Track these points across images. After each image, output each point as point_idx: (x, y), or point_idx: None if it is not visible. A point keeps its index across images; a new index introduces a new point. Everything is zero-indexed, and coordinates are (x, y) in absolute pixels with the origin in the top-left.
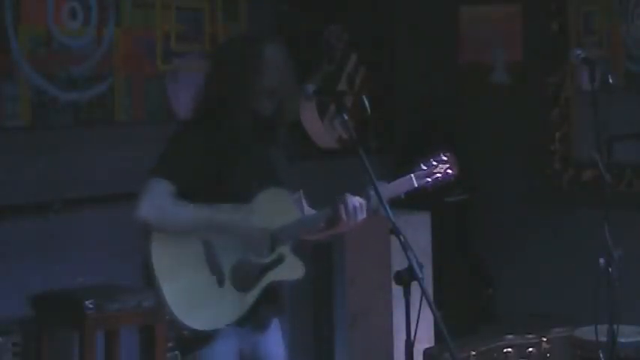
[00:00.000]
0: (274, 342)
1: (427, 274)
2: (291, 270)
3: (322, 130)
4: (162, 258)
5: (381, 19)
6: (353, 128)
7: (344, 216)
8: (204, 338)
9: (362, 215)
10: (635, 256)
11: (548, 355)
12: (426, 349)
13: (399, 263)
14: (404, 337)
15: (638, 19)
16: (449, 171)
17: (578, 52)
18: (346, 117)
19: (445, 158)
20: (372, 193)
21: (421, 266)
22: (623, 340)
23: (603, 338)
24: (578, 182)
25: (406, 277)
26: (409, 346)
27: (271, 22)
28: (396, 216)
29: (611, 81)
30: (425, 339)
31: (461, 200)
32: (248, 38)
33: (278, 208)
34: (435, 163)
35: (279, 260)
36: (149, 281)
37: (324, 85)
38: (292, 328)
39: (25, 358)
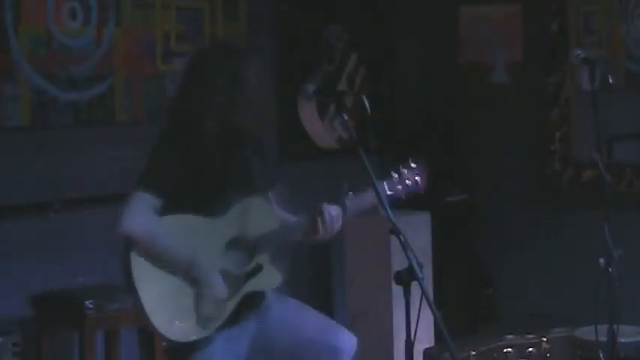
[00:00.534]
0: (277, 315)
1: (427, 274)
2: (269, 279)
3: (322, 130)
4: (142, 267)
5: (381, 19)
6: (353, 128)
7: (321, 227)
8: (193, 344)
9: (338, 225)
10: (635, 256)
11: (548, 355)
12: (426, 349)
13: (399, 263)
14: (404, 337)
15: (638, 19)
16: (417, 178)
17: (578, 52)
18: (346, 117)
19: (414, 166)
20: (348, 202)
21: (421, 266)
22: (623, 340)
23: (603, 338)
24: (578, 182)
25: (406, 277)
26: (409, 346)
27: (271, 22)
28: (396, 216)
29: (611, 81)
30: (425, 339)
31: (461, 200)
32: (222, 49)
33: (255, 218)
34: (404, 170)
35: (258, 269)
36: (129, 290)
37: (324, 85)
38: None
39: (25, 358)
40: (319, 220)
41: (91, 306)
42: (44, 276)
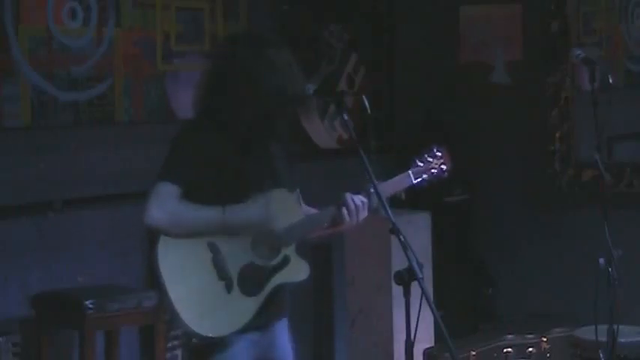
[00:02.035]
0: (284, 343)
1: (427, 274)
2: (296, 271)
3: (322, 130)
4: (170, 264)
5: (381, 19)
6: (353, 128)
7: (347, 216)
8: (215, 345)
9: (364, 214)
10: (634, 255)
11: (548, 354)
12: (426, 348)
13: (399, 263)
14: (404, 337)
15: (638, 19)
16: (443, 166)
17: (579, 52)
18: (346, 117)
19: (439, 154)
20: (372, 190)
21: (421, 266)
22: (623, 340)
23: (603, 338)
24: (578, 182)
25: (406, 277)
26: (409, 346)
27: (271, 22)
28: (396, 216)
29: (611, 81)
30: (425, 339)
31: (461, 200)
32: (253, 38)
33: (281, 210)
34: (430, 159)
35: (285, 262)
36: (157, 287)
37: (324, 85)
38: (292, 328)
39: (25, 358)
40: (344, 208)
41: (91, 306)
42: (44, 276)
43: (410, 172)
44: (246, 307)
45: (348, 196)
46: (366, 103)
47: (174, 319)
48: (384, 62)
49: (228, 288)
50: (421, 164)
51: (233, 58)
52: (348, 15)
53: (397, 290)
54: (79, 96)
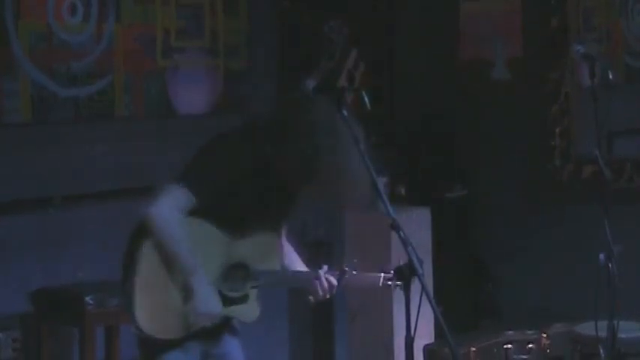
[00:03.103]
0: (237, 351)
1: (427, 269)
2: (248, 313)
3: None
4: (148, 258)
5: (382, 15)
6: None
7: (317, 292)
8: (163, 345)
9: (331, 293)
10: (635, 251)
11: (548, 350)
12: (426, 344)
13: (399, 259)
14: (404, 333)
15: (638, 15)
16: (398, 283)
17: (578, 47)
18: (346, 113)
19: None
20: (349, 276)
21: (421, 262)
22: (623, 335)
23: (603, 334)
24: (579, 178)
25: (406, 273)
26: (409, 342)
27: (271, 18)
28: (396, 212)
29: (611, 76)
30: (425, 335)
31: (461, 196)
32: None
33: (264, 253)
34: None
35: (243, 300)
36: (125, 274)
37: (324, 80)
38: (292, 325)
39: (25, 353)
40: (316, 285)
41: (91, 302)
42: (44, 272)
43: (381, 275)
44: (193, 318)
45: (322, 274)
46: (366, 100)
47: (127, 308)
48: (384, 58)
49: (185, 300)
50: (389, 274)
51: (309, 123)
52: (348, 11)
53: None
54: (79, 92)
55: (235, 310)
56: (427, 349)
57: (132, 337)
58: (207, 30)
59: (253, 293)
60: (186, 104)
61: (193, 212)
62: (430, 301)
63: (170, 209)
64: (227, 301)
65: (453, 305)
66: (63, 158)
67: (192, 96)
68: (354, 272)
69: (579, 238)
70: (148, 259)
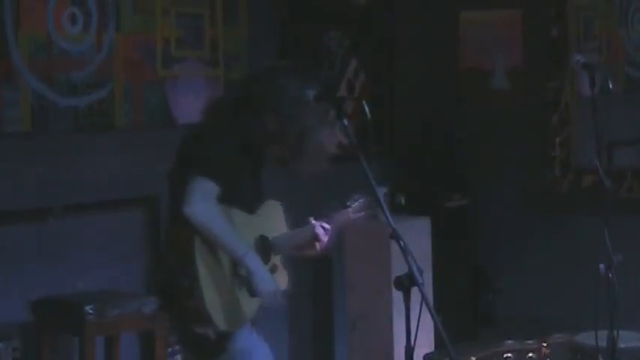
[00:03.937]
0: (263, 342)
1: (427, 279)
2: (281, 280)
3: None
4: (203, 257)
5: (382, 25)
6: (353, 134)
7: (320, 235)
8: (227, 338)
9: (327, 239)
10: (635, 261)
11: None
12: (426, 354)
13: (399, 268)
14: (404, 342)
15: (638, 25)
16: (370, 212)
17: (578, 57)
18: (346, 122)
19: (368, 201)
20: (335, 217)
21: (421, 271)
22: (623, 345)
23: (603, 343)
24: (578, 187)
25: (406, 283)
26: (409, 351)
27: (271, 28)
28: (396, 221)
29: (611, 86)
30: (425, 344)
31: (461, 205)
32: (295, 71)
33: (275, 220)
34: (360, 202)
35: (274, 270)
36: (188, 277)
37: (324, 90)
38: (292, 333)
39: None
40: (317, 231)
41: (91, 311)
42: (44, 281)
43: (349, 210)
44: (250, 305)
45: (317, 223)
46: (366, 109)
47: (198, 308)
48: (384, 68)
49: (239, 285)
50: (356, 204)
51: (272, 85)
52: (348, 20)
53: (397, 295)
54: (79, 101)
55: None
56: (427, 359)
57: (132, 346)
58: (207, 40)
59: (278, 261)
60: (186, 114)
61: (219, 200)
62: (430, 311)
63: (206, 202)
64: None
65: (452, 314)
66: (63, 167)
67: (192, 105)
68: (335, 212)
69: (579, 248)
70: (203, 257)
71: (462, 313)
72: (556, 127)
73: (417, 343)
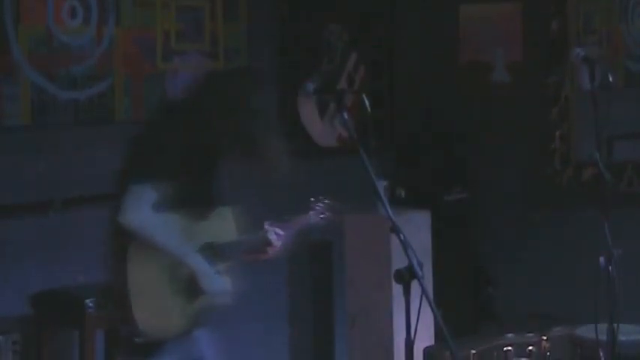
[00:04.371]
0: (204, 347)
1: (427, 272)
2: None
3: (322, 129)
4: (137, 263)
5: (381, 19)
6: (353, 127)
7: (273, 242)
8: (155, 345)
9: (280, 244)
10: (635, 255)
11: (548, 353)
12: (426, 347)
13: (398, 262)
14: (404, 335)
15: (638, 19)
16: (333, 214)
17: (578, 51)
18: (346, 116)
19: (327, 202)
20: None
21: (421, 265)
22: (623, 338)
23: (603, 337)
24: (578, 181)
25: (406, 276)
26: (409, 344)
27: (271, 21)
28: (396, 215)
29: (611, 80)
30: (425, 338)
31: (461, 199)
32: (250, 80)
33: (224, 226)
34: (322, 205)
35: None
36: (117, 279)
37: (324, 84)
38: (292, 328)
39: (25, 357)
40: (269, 238)
41: (91, 305)
42: (44, 275)
43: (310, 214)
44: (187, 313)
45: (269, 228)
46: (366, 102)
47: (124, 313)
48: (384, 61)
49: (176, 292)
50: (317, 208)
51: (218, 88)
52: (348, 14)
53: (397, 289)
54: (79, 95)
55: None
56: (427, 352)
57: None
58: (207, 33)
59: (223, 269)
60: None
61: (159, 207)
62: (430, 304)
63: (140, 210)
64: None
65: (452, 308)
66: (63, 161)
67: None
68: (288, 218)
69: (579, 241)
70: (137, 263)
71: (462, 306)
72: (556, 121)
73: (417, 337)
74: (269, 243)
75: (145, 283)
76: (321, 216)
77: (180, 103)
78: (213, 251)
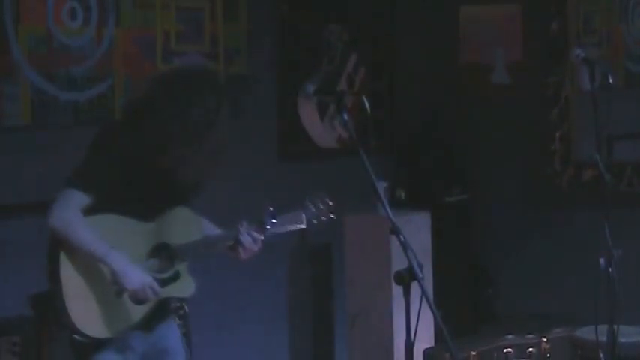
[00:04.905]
0: (172, 339)
1: (427, 273)
2: (183, 288)
3: (322, 130)
4: (70, 263)
5: (381, 19)
6: (353, 128)
7: (240, 249)
8: (97, 344)
9: (257, 247)
10: (635, 255)
11: (548, 355)
12: (426, 348)
13: (398, 263)
14: (404, 336)
15: (638, 19)
16: (332, 217)
17: (578, 51)
18: (346, 117)
19: (331, 204)
20: (269, 225)
21: (421, 266)
22: (623, 339)
23: (603, 338)
24: (578, 182)
25: (406, 277)
26: (409, 345)
27: (271, 22)
28: (396, 215)
29: (610, 81)
30: (425, 339)
31: (461, 200)
32: (209, 81)
33: (181, 226)
34: (322, 206)
35: (175, 277)
36: (52, 281)
37: (324, 84)
38: (292, 329)
39: (25, 357)
40: (239, 241)
41: None
42: (44, 276)
43: (303, 216)
44: (132, 313)
45: (244, 229)
46: (366, 103)
47: (61, 314)
48: (384, 62)
49: (118, 293)
50: (314, 210)
51: (175, 89)
52: (348, 15)
53: (397, 290)
54: (79, 96)
55: (171, 290)
56: (427, 353)
57: None
58: (207, 34)
59: (183, 268)
60: None
61: (94, 209)
62: (430, 305)
63: (63, 210)
64: (159, 284)
65: (453, 309)
66: (63, 162)
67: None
68: (274, 221)
69: (579, 242)
70: (66, 265)
71: (462, 307)
72: (556, 122)
73: (417, 338)
74: (240, 244)
75: (78, 283)
76: (314, 221)
77: (133, 103)
78: (168, 251)
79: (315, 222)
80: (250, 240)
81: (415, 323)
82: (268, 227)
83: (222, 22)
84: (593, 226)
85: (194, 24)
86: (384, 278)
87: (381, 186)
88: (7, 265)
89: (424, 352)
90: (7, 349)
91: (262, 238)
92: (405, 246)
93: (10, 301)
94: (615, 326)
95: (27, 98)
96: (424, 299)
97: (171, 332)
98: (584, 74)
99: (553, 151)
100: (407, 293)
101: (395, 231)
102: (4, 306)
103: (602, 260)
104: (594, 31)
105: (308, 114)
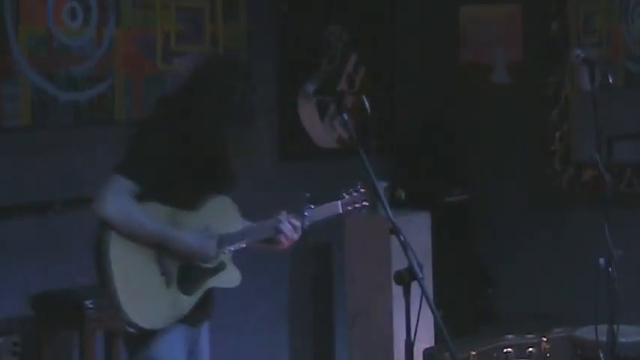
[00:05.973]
0: (205, 343)
1: (427, 273)
2: (229, 278)
3: (322, 130)
4: (119, 254)
5: (381, 19)
6: (353, 128)
7: (282, 237)
8: (151, 336)
9: (296, 236)
10: (635, 256)
11: (548, 355)
12: (426, 348)
13: (398, 263)
14: (404, 336)
15: (638, 19)
16: (364, 203)
17: (578, 52)
18: (346, 117)
19: (363, 190)
20: (307, 213)
21: (421, 266)
22: (623, 339)
23: (603, 338)
24: (578, 182)
25: (406, 277)
26: (409, 345)
27: (271, 22)
28: (396, 216)
29: (610, 81)
30: (425, 339)
31: (461, 200)
32: (243, 72)
33: (224, 216)
34: (355, 194)
35: (221, 268)
36: (100, 275)
37: (324, 85)
38: (292, 328)
39: (25, 358)
40: (280, 230)
41: (91, 306)
42: (44, 276)
43: (339, 202)
44: (182, 304)
45: (284, 218)
46: (366, 103)
47: (115, 308)
48: (384, 62)
49: (168, 284)
50: (348, 197)
51: (204, 79)
52: (348, 15)
53: (397, 290)
54: (79, 96)
55: (217, 280)
56: (427, 353)
57: None
58: (207, 34)
59: (228, 258)
60: None
61: (141, 197)
62: (430, 305)
63: (116, 197)
64: (205, 273)
65: (452, 309)
66: (63, 162)
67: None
68: (312, 207)
69: (579, 243)
70: (119, 255)
71: (462, 307)
72: (556, 122)
73: (417, 338)
74: (281, 232)
75: (129, 276)
76: (349, 207)
77: (175, 95)
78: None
79: (349, 208)
80: (290, 228)
81: (415, 323)
82: (306, 214)
83: (222, 22)
84: (593, 226)
85: (194, 24)
86: (384, 278)
87: (381, 186)
88: (7, 265)
89: (424, 352)
90: (7, 349)
91: (300, 225)
92: (405, 246)
93: (10, 301)
94: (615, 326)
95: (27, 98)
96: (424, 299)
97: (205, 334)
98: (584, 74)
99: (553, 151)
100: (407, 293)
101: (395, 231)
102: (4, 306)
103: (602, 260)
104: (594, 31)
105: (308, 114)
